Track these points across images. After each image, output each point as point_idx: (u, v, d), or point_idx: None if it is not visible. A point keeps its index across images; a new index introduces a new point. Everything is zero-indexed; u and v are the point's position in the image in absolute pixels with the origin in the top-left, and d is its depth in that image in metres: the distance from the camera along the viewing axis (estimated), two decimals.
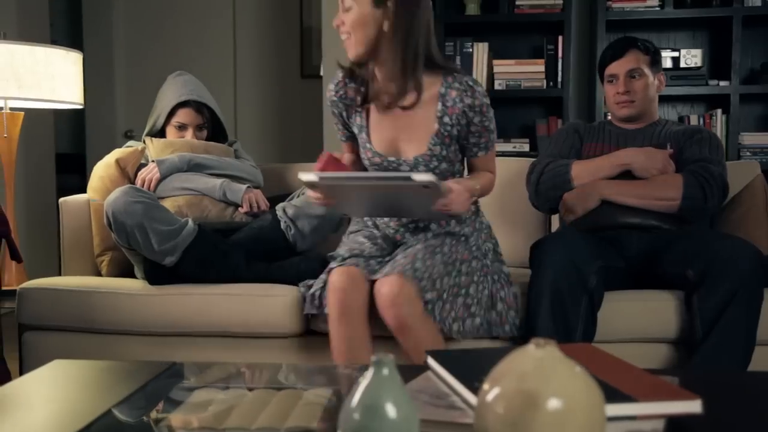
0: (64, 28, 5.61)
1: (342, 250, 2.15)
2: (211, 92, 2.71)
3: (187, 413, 1.09)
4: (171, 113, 2.61)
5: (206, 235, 2.30)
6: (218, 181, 2.47)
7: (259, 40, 5.01)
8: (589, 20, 3.87)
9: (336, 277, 2.01)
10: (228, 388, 1.23)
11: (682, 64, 3.67)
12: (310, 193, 1.96)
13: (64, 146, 5.52)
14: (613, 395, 1.01)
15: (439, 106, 2.08)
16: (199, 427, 1.02)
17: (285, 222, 2.37)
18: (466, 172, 2.29)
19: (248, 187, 2.51)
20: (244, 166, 2.61)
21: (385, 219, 2.22)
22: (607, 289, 2.12)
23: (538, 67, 3.74)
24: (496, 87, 3.73)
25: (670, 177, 2.28)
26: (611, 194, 2.29)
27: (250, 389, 1.22)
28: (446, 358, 1.27)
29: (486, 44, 3.76)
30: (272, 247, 2.37)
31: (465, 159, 2.23)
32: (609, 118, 2.61)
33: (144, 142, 2.65)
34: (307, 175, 1.81)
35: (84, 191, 2.72)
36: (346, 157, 2.29)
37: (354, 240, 2.19)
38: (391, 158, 2.14)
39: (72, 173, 5.23)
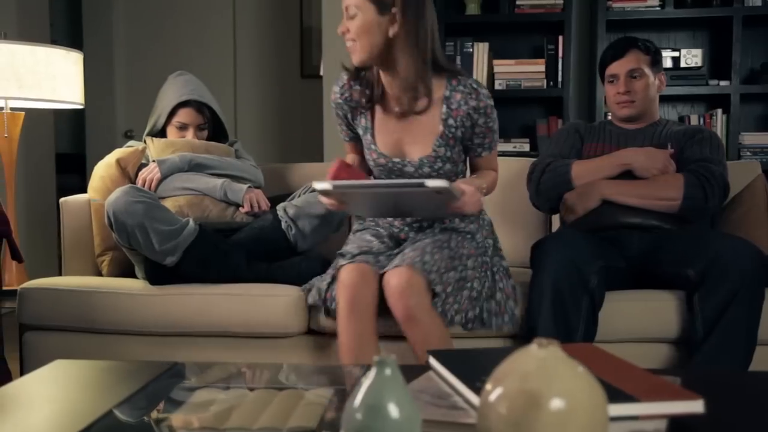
0: (64, 28, 5.62)
1: (351, 247, 2.16)
2: (211, 92, 2.71)
3: (188, 413, 1.09)
4: (172, 113, 2.61)
5: (207, 235, 2.29)
6: (219, 181, 2.47)
7: (259, 40, 5.01)
8: (590, 20, 3.88)
9: (346, 273, 2.02)
10: (229, 388, 1.23)
11: (683, 64, 3.67)
12: (324, 200, 1.99)
13: (64, 146, 5.53)
14: (615, 395, 1.01)
15: (444, 108, 2.11)
16: (200, 428, 1.02)
17: (286, 222, 2.37)
18: (468, 171, 2.31)
19: (249, 187, 2.51)
20: (245, 166, 2.61)
21: (389, 218, 2.24)
22: (608, 289, 2.12)
23: (538, 67, 3.74)
24: (497, 87, 3.73)
25: (671, 177, 2.28)
26: (612, 194, 2.29)
27: (251, 389, 1.21)
28: (448, 358, 1.27)
29: (486, 44, 3.76)
30: (273, 247, 2.37)
31: (467, 158, 2.25)
32: (609, 118, 2.61)
33: (145, 141, 2.64)
34: (321, 184, 1.86)
35: (84, 191, 2.72)
36: (350, 158, 2.31)
37: (362, 238, 2.21)
38: (396, 159, 2.16)
39: (72, 173, 5.24)
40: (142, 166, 2.56)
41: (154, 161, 2.50)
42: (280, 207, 2.42)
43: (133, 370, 1.36)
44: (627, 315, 2.16)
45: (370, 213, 2.21)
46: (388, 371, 0.83)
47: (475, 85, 2.10)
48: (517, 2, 3.73)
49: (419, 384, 1.22)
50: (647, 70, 2.44)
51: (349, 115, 2.23)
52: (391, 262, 2.04)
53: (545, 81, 3.74)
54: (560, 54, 3.71)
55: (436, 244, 2.07)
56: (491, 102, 2.11)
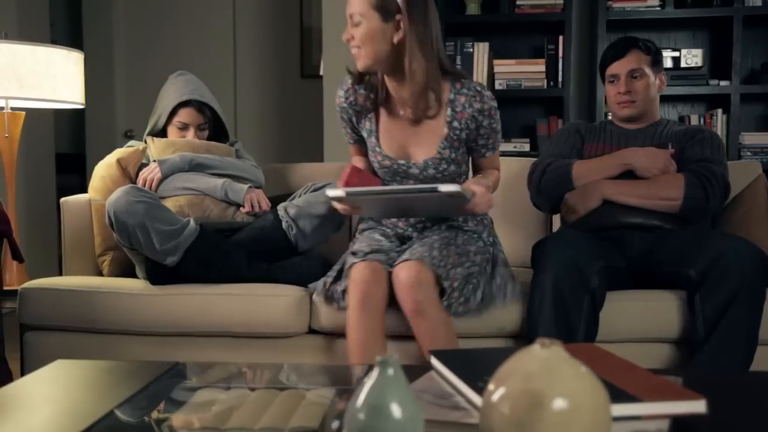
0: (64, 28, 5.62)
1: (362, 246, 2.17)
2: (211, 92, 2.71)
3: (189, 414, 1.08)
4: (172, 113, 2.60)
5: (208, 235, 2.29)
6: (220, 181, 2.47)
7: (259, 40, 5.01)
8: (590, 20, 3.88)
9: (358, 271, 2.04)
10: (230, 388, 1.23)
11: (683, 64, 3.67)
12: (337, 205, 2.06)
13: (64, 146, 5.52)
14: (617, 395, 1.01)
15: (449, 111, 2.14)
16: (201, 428, 1.02)
17: (286, 222, 2.37)
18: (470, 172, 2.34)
19: (250, 186, 2.51)
20: (246, 166, 2.61)
21: (392, 219, 2.28)
22: (609, 289, 2.12)
23: (538, 67, 3.74)
24: (497, 87, 3.73)
25: (672, 177, 2.28)
26: (613, 194, 2.29)
27: (253, 389, 1.21)
28: (450, 359, 1.27)
29: (486, 44, 3.76)
30: (274, 247, 2.37)
31: (470, 159, 2.28)
32: (610, 117, 2.61)
33: (145, 141, 2.64)
34: (335, 192, 1.94)
35: (84, 191, 2.71)
36: (357, 160, 2.35)
37: (371, 237, 2.22)
38: (401, 161, 2.20)
39: (72, 173, 5.23)
40: (143, 165, 2.56)
41: (154, 161, 2.50)
42: (280, 207, 2.42)
43: (134, 370, 1.36)
44: (628, 315, 2.16)
45: (381, 215, 2.26)
46: (390, 371, 0.83)
47: (479, 88, 2.14)
48: (518, 2, 3.73)
49: (421, 384, 1.22)
50: (648, 70, 2.44)
51: (353, 119, 2.26)
52: (400, 257, 2.07)
53: (545, 81, 3.74)
54: (560, 54, 3.71)
55: (443, 240, 2.10)
56: (495, 104, 2.15)
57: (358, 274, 2.04)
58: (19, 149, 3.03)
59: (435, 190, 1.84)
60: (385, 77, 2.15)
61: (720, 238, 2.12)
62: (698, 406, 1.01)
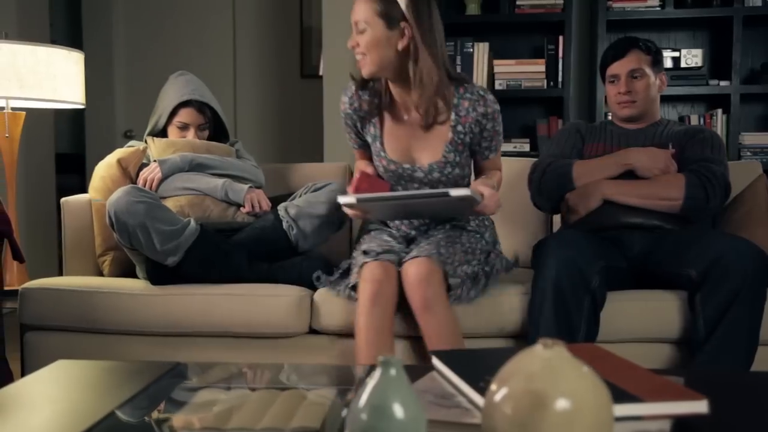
0: (64, 28, 5.61)
1: (373, 245, 2.19)
2: (211, 92, 2.71)
3: (190, 414, 1.08)
4: (173, 113, 2.60)
5: (208, 235, 2.29)
6: (220, 181, 2.47)
7: (259, 40, 5.01)
8: (590, 20, 3.87)
9: (371, 269, 2.07)
10: (231, 388, 1.23)
11: (683, 64, 3.66)
12: (348, 211, 2.10)
13: (64, 146, 5.52)
14: (619, 396, 1.01)
15: (453, 115, 2.18)
16: (203, 428, 1.02)
17: (287, 222, 2.37)
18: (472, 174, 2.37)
19: (250, 187, 2.51)
20: (246, 166, 2.61)
21: (396, 221, 2.33)
22: (610, 289, 2.12)
23: (538, 67, 3.74)
24: (497, 87, 3.73)
25: (673, 177, 2.28)
26: (613, 194, 2.29)
27: (253, 390, 1.21)
28: (451, 359, 1.27)
29: (486, 44, 3.76)
30: (274, 248, 2.37)
31: (474, 161, 2.32)
32: (610, 118, 2.61)
33: (146, 141, 2.64)
34: (346, 198, 2.00)
35: (83, 191, 2.71)
36: (363, 164, 2.37)
37: (380, 238, 2.25)
38: (406, 165, 2.23)
39: (71, 173, 5.23)
40: (143, 166, 2.56)
41: (155, 161, 2.50)
42: (281, 207, 2.42)
43: (135, 370, 1.36)
44: (628, 315, 2.16)
45: (390, 218, 2.30)
46: (392, 371, 0.83)
47: (482, 92, 2.18)
48: (518, 2, 3.72)
49: (423, 384, 1.22)
50: (648, 70, 2.44)
51: (358, 124, 2.29)
52: (409, 254, 2.10)
53: (545, 81, 3.74)
54: (560, 54, 3.71)
55: (449, 239, 2.15)
56: (498, 107, 2.19)
57: (370, 272, 2.06)
58: (20, 149, 3.03)
59: (447, 195, 1.90)
60: (390, 83, 2.18)
61: (721, 238, 2.12)
62: (700, 407, 1.01)
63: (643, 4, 3.64)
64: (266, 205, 2.49)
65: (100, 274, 2.58)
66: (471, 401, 1.11)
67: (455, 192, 1.90)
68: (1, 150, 2.94)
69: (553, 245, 2.12)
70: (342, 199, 2.01)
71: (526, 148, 3.80)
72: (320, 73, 4.19)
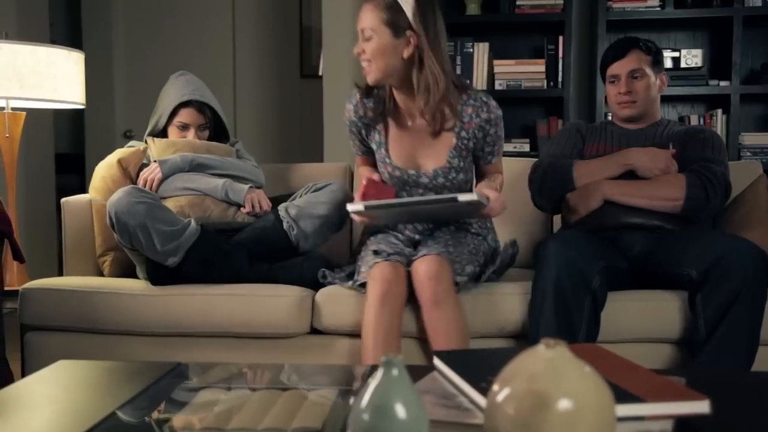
0: (64, 28, 5.61)
1: (383, 246, 2.22)
2: (211, 92, 2.71)
3: (192, 414, 1.08)
4: (173, 113, 2.60)
5: (209, 235, 2.29)
6: (220, 181, 2.47)
7: (259, 40, 5.01)
8: (590, 20, 3.87)
9: (381, 269, 2.09)
10: (232, 388, 1.23)
11: (683, 64, 3.66)
12: (355, 217, 2.14)
13: (64, 146, 5.52)
14: (621, 396, 1.01)
15: (457, 122, 2.21)
16: (203, 429, 1.02)
17: (287, 222, 2.37)
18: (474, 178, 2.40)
19: (250, 187, 2.50)
20: (246, 166, 2.61)
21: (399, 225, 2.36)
22: (610, 289, 2.12)
23: (538, 67, 3.74)
24: (497, 87, 3.73)
25: (673, 177, 2.28)
26: (614, 194, 2.29)
27: (255, 390, 1.21)
28: (453, 359, 1.27)
29: (486, 44, 3.76)
30: (275, 248, 2.37)
31: (476, 165, 2.35)
32: (611, 118, 2.61)
33: (146, 142, 2.64)
34: (354, 206, 2.06)
35: (83, 191, 2.71)
36: (365, 170, 2.41)
37: (388, 240, 2.27)
38: (411, 171, 2.27)
39: (71, 173, 5.23)
40: (144, 166, 2.56)
41: (155, 161, 2.50)
42: (281, 207, 2.41)
43: (136, 370, 1.36)
44: (629, 315, 2.16)
45: (397, 223, 2.33)
46: (395, 371, 0.83)
47: (485, 99, 2.22)
48: (517, 2, 3.72)
49: (424, 384, 1.22)
50: (648, 71, 2.44)
51: (363, 132, 2.32)
52: (419, 253, 2.13)
53: (545, 81, 3.74)
54: (560, 54, 3.71)
55: (456, 239, 2.19)
56: (500, 113, 2.24)
57: (381, 272, 2.08)
58: (20, 149, 3.03)
59: (455, 200, 1.96)
60: (394, 90, 2.22)
61: (721, 239, 2.12)
62: (702, 407, 1.01)
63: (643, 4, 3.65)
64: (267, 205, 2.49)
65: (101, 274, 2.57)
66: (472, 401, 1.11)
67: (463, 197, 1.95)
68: (1, 150, 2.94)
69: (553, 245, 2.12)
70: (351, 207, 2.06)
71: (526, 148, 3.80)
72: (320, 73, 4.18)
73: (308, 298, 2.24)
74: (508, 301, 2.19)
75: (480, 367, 1.21)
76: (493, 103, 2.23)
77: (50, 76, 2.85)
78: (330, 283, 2.29)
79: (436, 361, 1.30)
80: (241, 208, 2.47)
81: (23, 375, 2.35)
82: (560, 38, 3.70)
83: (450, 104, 2.17)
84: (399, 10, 2.09)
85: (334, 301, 2.22)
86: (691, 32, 3.85)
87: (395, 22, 2.09)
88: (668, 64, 3.65)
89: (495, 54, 3.80)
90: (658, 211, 2.27)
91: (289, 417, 1.06)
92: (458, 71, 3.68)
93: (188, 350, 2.28)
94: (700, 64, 3.66)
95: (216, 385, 1.25)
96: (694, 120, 3.69)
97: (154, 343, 2.29)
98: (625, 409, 0.99)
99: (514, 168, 2.79)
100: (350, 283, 2.22)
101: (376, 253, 2.18)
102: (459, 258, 2.13)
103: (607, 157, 2.37)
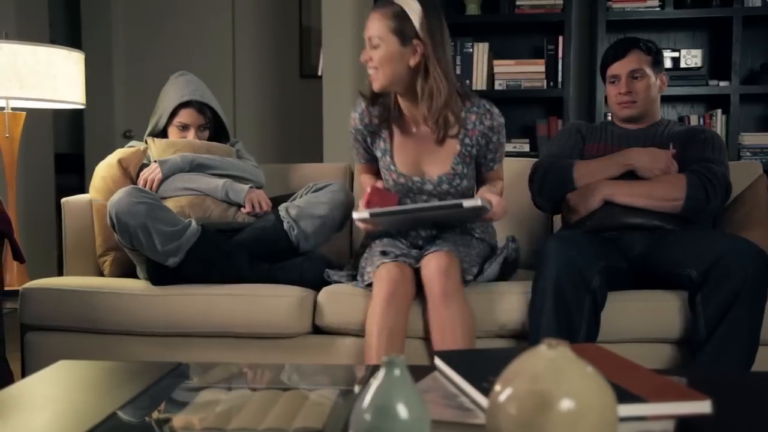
0: (63, 28, 5.61)
1: (389, 247, 2.23)
2: (211, 92, 2.70)
3: (192, 414, 1.08)
4: (173, 113, 2.60)
5: (209, 235, 2.29)
6: (220, 182, 2.47)
7: (259, 40, 5.01)
8: (590, 20, 3.88)
9: (388, 269, 2.10)
10: (232, 389, 1.23)
11: (682, 65, 3.67)
12: (360, 224, 2.18)
13: (63, 146, 5.52)
14: (622, 396, 1.01)
15: (461, 129, 2.23)
16: (204, 429, 1.02)
17: (288, 222, 2.37)
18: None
19: (251, 187, 2.50)
20: (247, 167, 2.61)
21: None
22: (610, 289, 2.12)
23: (538, 67, 3.74)
24: (497, 87, 3.73)
25: (673, 177, 2.28)
26: (614, 194, 2.29)
27: (256, 390, 1.21)
28: (454, 359, 1.27)
29: (486, 44, 3.76)
30: (275, 248, 2.37)
31: (477, 172, 2.37)
32: (611, 118, 2.61)
33: (146, 142, 2.64)
34: (360, 214, 2.08)
35: (82, 191, 2.71)
36: (366, 178, 2.44)
37: (395, 243, 2.28)
38: (416, 178, 2.29)
39: (70, 173, 5.23)
40: (144, 166, 2.55)
41: (155, 161, 2.50)
42: (282, 207, 2.41)
43: (136, 370, 1.35)
44: (629, 315, 2.16)
45: (402, 229, 2.34)
46: (397, 371, 0.83)
47: (488, 106, 2.25)
48: (517, 2, 3.72)
49: (426, 384, 1.22)
50: (648, 71, 2.44)
51: (368, 140, 2.34)
52: (429, 250, 2.15)
53: (545, 81, 3.74)
54: (560, 54, 3.71)
55: (461, 241, 2.22)
56: (503, 120, 2.27)
57: (387, 272, 2.09)
58: (20, 149, 3.03)
59: (460, 206, 2.00)
60: (399, 97, 2.24)
61: (721, 239, 2.11)
62: (703, 407, 1.01)
63: (642, 5, 3.65)
64: (267, 205, 2.49)
65: (101, 274, 2.57)
66: (474, 401, 1.11)
67: (468, 203, 2.00)
68: (1, 150, 2.94)
69: (553, 245, 2.12)
70: (356, 215, 2.09)
71: (526, 148, 3.80)
72: (319, 73, 4.18)
73: (309, 298, 2.24)
74: (508, 300, 2.19)
75: (481, 367, 1.21)
76: (496, 110, 2.26)
77: (50, 76, 2.85)
78: (336, 282, 2.30)
79: (438, 361, 1.30)
80: (242, 209, 2.47)
81: (23, 375, 2.35)
82: (560, 38, 3.70)
83: (453, 111, 2.19)
84: (406, 18, 2.11)
85: (337, 299, 2.22)
86: (690, 32, 3.85)
87: (402, 30, 2.11)
88: (668, 64, 3.65)
89: (495, 54, 3.80)
90: (658, 212, 2.26)
91: (290, 417, 1.06)
92: (458, 71, 3.68)
93: (189, 350, 2.28)
94: (699, 64, 3.66)
95: (217, 385, 1.25)
96: (693, 120, 3.69)
97: (154, 343, 2.29)
98: (627, 409, 0.99)
99: (514, 168, 2.79)
100: (355, 283, 2.23)
101: (384, 253, 2.19)
102: (468, 258, 2.16)
103: (608, 158, 2.37)
